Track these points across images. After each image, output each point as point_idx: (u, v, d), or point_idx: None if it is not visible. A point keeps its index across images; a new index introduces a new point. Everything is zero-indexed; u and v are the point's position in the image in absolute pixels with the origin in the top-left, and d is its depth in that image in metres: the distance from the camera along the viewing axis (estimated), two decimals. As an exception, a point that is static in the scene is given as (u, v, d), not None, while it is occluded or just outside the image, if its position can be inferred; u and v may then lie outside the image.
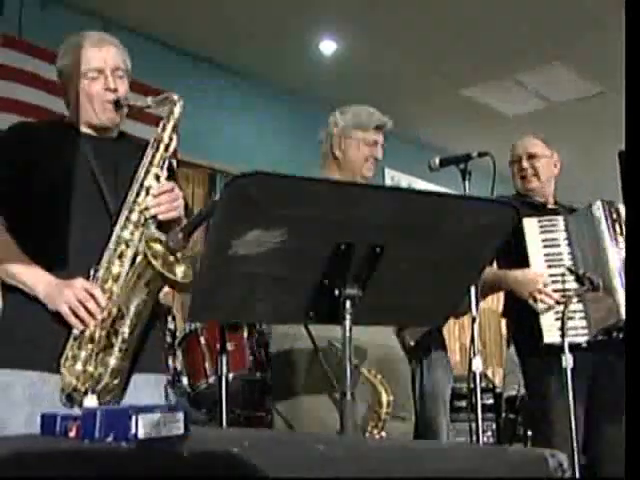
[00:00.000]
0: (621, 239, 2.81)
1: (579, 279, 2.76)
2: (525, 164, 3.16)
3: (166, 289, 2.05)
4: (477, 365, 2.53)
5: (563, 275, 2.82)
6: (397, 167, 7.15)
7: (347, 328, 1.64)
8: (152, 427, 1.03)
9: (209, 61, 5.90)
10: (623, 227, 2.82)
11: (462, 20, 5.31)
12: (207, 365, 3.26)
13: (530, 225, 2.90)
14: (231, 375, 2.95)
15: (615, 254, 2.78)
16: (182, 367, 3.37)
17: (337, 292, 1.64)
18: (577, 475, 2.55)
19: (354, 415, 1.70)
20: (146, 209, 1.97)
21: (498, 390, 5.07)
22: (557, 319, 2.76)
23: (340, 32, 5.66)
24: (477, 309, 2.58)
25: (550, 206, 3.16)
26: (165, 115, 2.05)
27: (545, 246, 2.90)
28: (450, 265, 1.74)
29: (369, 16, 5.28)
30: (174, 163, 2.13)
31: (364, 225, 1.60)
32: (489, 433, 4.76)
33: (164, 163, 2.03)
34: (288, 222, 1.53)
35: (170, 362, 3.29)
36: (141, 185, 1.99)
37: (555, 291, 2.82)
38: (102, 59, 2.08)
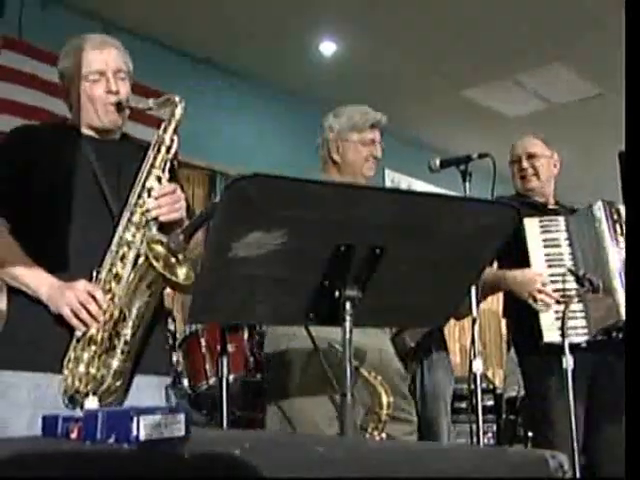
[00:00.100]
0: (622, 239, 2.81)
1: (579, 280, 2.76)
2: (525, 164, 3.16)
3: (167, 290, 2.06)
4: (477, 366, 2.53)
5: (563, 275, 2.82)
6: (397, 168, 7.15)
7: (347, 329, 1.64)
8: (153, 429, 1.03)
9: (208, 62, 5.90)
10: (624, 227, 2.82)
11: (462, 20, 5.31)
12: (207, 367, 3.26)
13: (531, 225, 2.90)
14: (231, 377, 2.96)
15: (615, 254, 2.79)
16: (183, 369, 3.38)
17: (337, 293, 1.64)
18: (578, 475, 2.55)
19: (354, 416, 1.69)
20: (147, 211, 1.98)
21: (498, 391, 5.07)
22: (557, 319, 2.76)
23: (340, 33, 5.66)
24: (477, 310, 2.58)
25: (551, 206, 3.17)
26: (166, 117, 2.05)
27: (546, 246, 2.90)
28: (450, 266, 1.74)
29: (369, 17, 5.28)
30: (175, 164, 2.13)
31: (364, 226, 1.60)
32: (489, 434, 4.76)
33: (166, 165, 2.03)
34: (288, 224, 1.53)
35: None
36: (143, 187, 2.00)
37: (555, 291, 2.82)
38: (103, 61, 2.08)
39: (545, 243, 2.90)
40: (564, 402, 2.62)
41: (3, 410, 1.91)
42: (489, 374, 6.66)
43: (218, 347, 2.87)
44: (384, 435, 2.38)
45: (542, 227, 2.92)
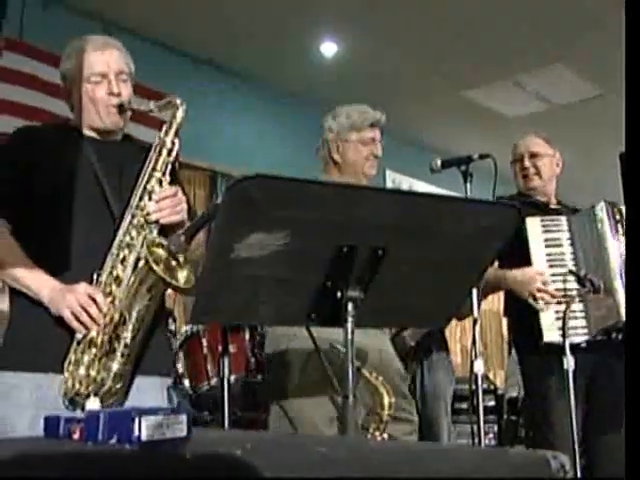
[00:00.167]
0: (623, 240, 2.81)
1: (580, 280, 2.76)
2: (527, 163, 3.16)
3: (168, 291, 2.06)
4: (479, 367, 2.53)
5: (564, 275, 2.82)
6: (398, 169, 7.15)
7: (349, 330, 1.64)
8: (155, 429, 1.03)
9: (210, 63, 5.90)
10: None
11: (463, 21, 5.32)
12: (209, 367, 3.26)
13: (533, 224, 2.90)
14: (233, 377, 2.96)
15: (617, 255, 2.79)
16: (184, 369, 3.38)
17: (339, 294, 1.64)
18: (579, 476, 2.55)
19: (355, 417, 1.70)
20: (148, 214, 1.98)
21: (500, 392, 5.07)
22: (557, 319, 2.76)
23: (341, 34, 5.66)
24: (479, 311, 2.58)
25: (553, 206, 3.17)
26: (168, 119, 2.05)
27: (547, 246, 2.90)
28: (451, 267, 1.75)
29: (370, 17, 5.28)
30: (177, 165, 2.13)
31: (366, 227, 1.60)
32: (490, 435, 4.76)
33: (167, 168, 2.03)
34: (290, 224, 1.54)
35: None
36: (144, 189, 2.00)
37: (555, 291, 2.82)
38: (105, 63, 2.08)
39: (547, 243, 2.90)
40: (564, 402, 2.62)
41: (5, 411, 1.91)
42: (490, 375, 6.66)
43: (219, 348, 2.88)
44: (385, 435, 2.38)
45: (544, 227, 2.92)
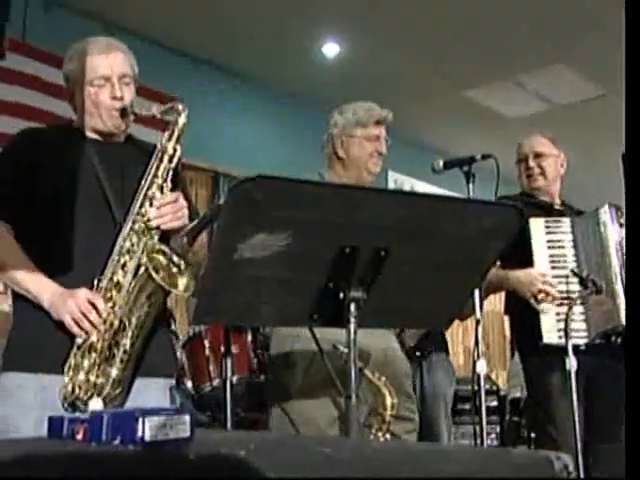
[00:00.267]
0: (626, 243, 2.81)
1: (583, 281, 2.76)
2: (532, 163, 3.16)
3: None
4: (481, 367, 2.53)
5: (567, 277, 2.82)
6: (400, 170, 7.15)
7: (352, 331, 1.64)
8: (158, 430, 1.03)
9: (211, 63, 5.91)
10: (630, 232, 2.82)
11: (463, 20, 5.32)
12: (211, 368, 3.26)
13: (536, 225, 2.90)
14: (235, 378, 2.96)
15: (619, 258, 2.78)
16: (186, 370, 3.37)
17: (342, 295, 1.64)
18: (581, 476, 2.55)
19: (359, 418, 1.70)
20: (149, 220, 1.97)
21: (502, 392, 5.07)
22: (558, 320, 2.76)
23: (343, 35, 5.67)
24: (481, 311, 2.58)
25: (557, 206, 3.17)
26: (170, 126, 2.04)
27: (550, 247, 2.90)
28: (454, 267, 1.75)
29: (371, 18, 5.29)
30: (179, 167, 2.13)
31: (368, 228, 1.60)
32: (493, 435, 4.76)
33: (168, 174, 2.03)
34: (293, 225, 1.54)
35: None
36: (145, 196, 2.00)
37: (558, 292, 2.82)
38: (109, 66, 2.07)
39: (549, 244, 2.90)
40: (566, 402, 2.62)
41: (9, 410, 1.92)
42: (492, 375, 6.65)
43: (222, 348, 2.87)
44: (388, 436, 2.38)
45: (547, 228, 2.92)
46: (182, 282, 1.94)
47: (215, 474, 0.88)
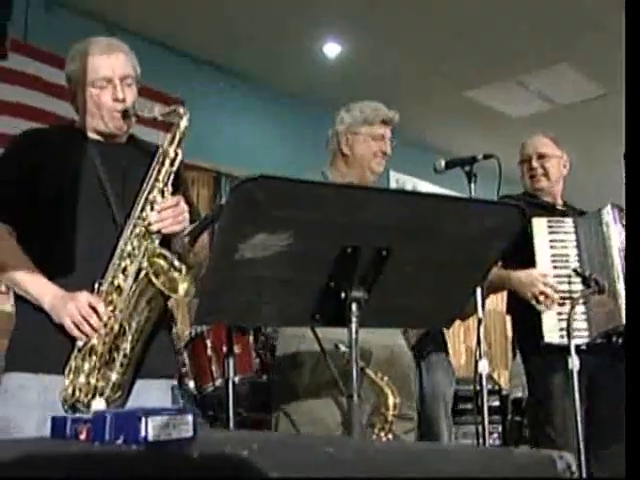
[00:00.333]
0: (629, 243, 2.81)
1: (586, 281, 2.76)
2: (535, 164, 3.16)
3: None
4: (483, 367, 2.53)
5: (569, 277, 2.82)
6: (402, 169, 7.15)
7: (353, 331, 1.64)
8: (161, 429, 1.03)
9: (211, 64, 5.91)
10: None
11: (465, 20, 5.32)
12: (213, 368, 3.26)
13: (539, 225, 2.90)
14: (237, 378, 2.96)
15: (622, 258, 2.78)
16: (188, 370, 3.38)
17: (343, 295, 1.64)
18: (584, 476, 2.55)
19: (361, 417, 1.70)
20: (150, 224, 1.97)
21: (504, 392, 5.06)
22: (560, 320, 2.76)
23: (345, 35, 5.67)
24: (483, 311, 2.58)
25: (559, 207, 3.17)
26: (172, 129, 2.04)
27: (552, 247, 2.90)
28: (455, 267, 1.75)
29: (373, 18, 5.28)
30: (181, 169, 2.12)
31: (370, 228, 1.60)
32: (495, 435, 4.75)
33: (169, 178, 2.02)
34: (294, 225, 1.54)
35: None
36: (146, 200, 1.99)
37: (560, 292, 2.82)
38: (110, 68, 2.06)
39: (552, 244, 2.90)
40: (568, 402, 2.62)
41: (12, 411, 1.92)
42: (494, 375, 6.65)
43: (224, 348, 2.87)
44: (390, 436, 2.38)
45: (550, 227, 2.92)
46: (182, 287, 1.94)
47: (218, 474, 0.88)
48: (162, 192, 2.01)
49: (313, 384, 2.47)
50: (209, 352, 3.30)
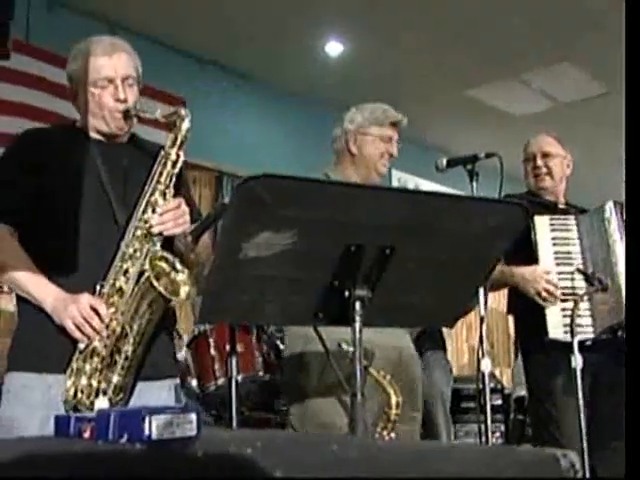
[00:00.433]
0: (630, 240, 2.81)
1: (589, 279, 2.76)
2: (539, 162, 3.17)
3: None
4: (486, 365, 2.53)
5: (572, 274, 2.82)
6: (404, 168, 7.15)
7: (357, 329, 1.64)
8: (165, 428, 1.03)
9: (214, 63, 5.91)
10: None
11: (468, 20, 5.31)
12: (216, 367, 3.26)
13: (541, 223, 2.90)
14: (240, 377, 2.96)
15: (623, 255, 2.78)
16: (191, 369, 3.38)
17: (347, 293, 1.64)
18: (587, 475, 2.54)
19: (365, 416, 1.69)
20: (151, 226, 1.97)
21: (507, 391, 5.06)
22: (564, 316, 2.76)
23: (347, 34, 5.67)
24: (486, 309, 2.57)
25: (561, 206, 3.17)
26: (173, 130, 2.03)
27: (555, 244, 2.90)
28: (458, 265, 1.74)
29: (375, 17, 5.28)
30: (183, 169, 2.12)
31: (373, 226, 1.60)
32: (497, 434, 4.75)
33: (171, 180, 2.02)
34: (298, 224, 1.54)
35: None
36: (148, 202, 1.99)
37: (563, 289, 2.82)
38: (112, 68, 2.06)
39: (554, 241, 2.91)
40: (571, 400, 2.62)
41: (16, 411, 1.92)
42: (497, 374, 6.65)
43: (227, 347, 2.87)
44: (393, 435, 2.38)
45: (552, 225, 2.92)
46: (184, 289, 1.94)
47: (222, 473, 0.88)
48: (164, 194, 2.01)
49: (322, 385, 2.47)
50: (212, 351, 3.30)
